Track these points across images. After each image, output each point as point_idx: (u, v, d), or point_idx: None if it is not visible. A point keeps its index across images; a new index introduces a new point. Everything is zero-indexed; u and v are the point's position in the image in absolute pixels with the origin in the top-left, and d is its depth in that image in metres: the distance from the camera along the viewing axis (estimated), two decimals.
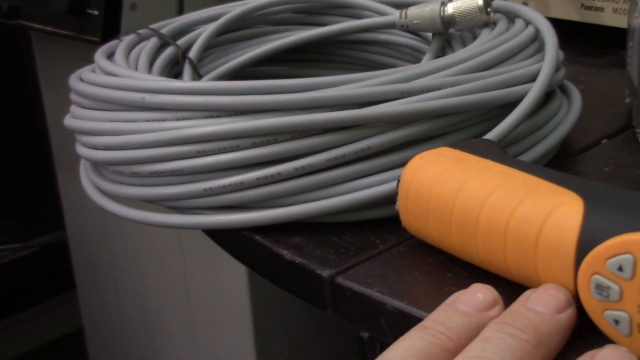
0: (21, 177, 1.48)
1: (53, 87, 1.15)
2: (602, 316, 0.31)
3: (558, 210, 0.32)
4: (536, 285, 0.34)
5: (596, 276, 0.31)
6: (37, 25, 0.92)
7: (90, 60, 0.52)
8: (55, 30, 0.89)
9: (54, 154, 1.19)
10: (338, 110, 0.41)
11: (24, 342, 1.50)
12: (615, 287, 0.30)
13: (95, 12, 0.84)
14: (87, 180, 0.49)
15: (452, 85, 0.43)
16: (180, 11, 0.88)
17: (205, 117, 0.42)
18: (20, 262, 1.46)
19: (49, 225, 1.45)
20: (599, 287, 0.31)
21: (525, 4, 0.66)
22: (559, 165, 0.47)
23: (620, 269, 0.30)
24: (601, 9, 0.62)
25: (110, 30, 0.83)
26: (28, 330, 1.50)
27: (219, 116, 0.42)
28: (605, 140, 0.49)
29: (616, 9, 0.61)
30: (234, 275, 1.01)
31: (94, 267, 1.23)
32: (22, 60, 1.41)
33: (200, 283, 1.08)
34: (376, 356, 0.30)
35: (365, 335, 0.93)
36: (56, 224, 1.37)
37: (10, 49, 1.43)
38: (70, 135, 0.50)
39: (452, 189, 0.36)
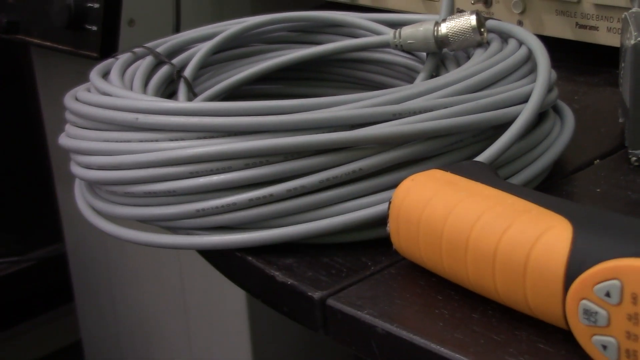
0: (20, 189, 1.48)
1: (52, 100, 1.15)
2: (590, 341, 0.31)
3: (547, 234, 0.32)
4: (525, 309, 0.34)
5: (584, 301, 0.31)
6: (35, 40, 0.92)
7: (88, 73, 0.52)
8: (54, 45, 0.89)
9: (53, 166, 1.20)
10: (330, 131, 0.41)
11: (21, 354, 1.50)
12: (603, 312, 0.30)
13: (94, 28, 0.84)
14: (82, 199, 0.49)
15: (445, 106, 0.43)
16: (177, 27, 0.88)
17: (199, 138, 0.43)
18: (18, 275, 1.45)
19: (47, 237, 1.45)
20: (587, 313, 0.31)
21: (520, 22, 0.66)
22: (552, 185, 0.47)
23: (607, 294, 0.30)
24: (595, 28, 0.62)
25: (108, 46, 0.84)
26: (26, 343, 1.50)
27: (212, 137, 0.42)
28: (597, 160, 0.49)
29: (610, 28, 0.61)
30: (231, 290, 1.01)
31: (93, 280, 1.23)
32: (22, 73, 1.41)
33: (198, 297, 1.08)
34: None
35: None
36: (55, 237, 1.38)
37: (10, 62, 1.43)
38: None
39: (442, 212, 0.36)
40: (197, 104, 0.44)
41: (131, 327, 1.21)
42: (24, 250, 1.46)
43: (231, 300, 1.03)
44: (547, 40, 0.52)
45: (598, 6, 0.61)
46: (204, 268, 1.03)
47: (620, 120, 0.51)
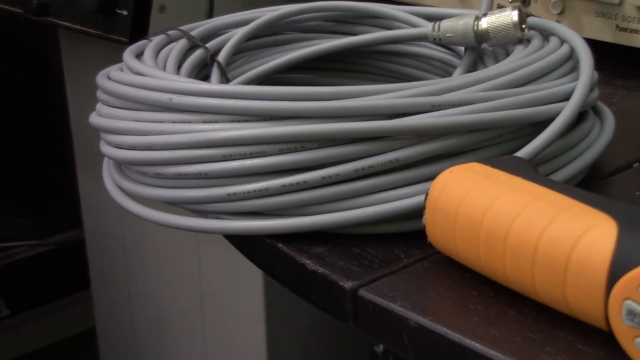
0: (41, 174, 1.48)
1: (78, 85, 1.15)
2: (633, 343, 0.30)
3: (590, 232, 0.32)
4: (564, 308, 0.33)
5: (628, 302, 0.30)
6: (65, 23, 0.91)
7: (116, 60, 0.51)
8: (84, 28, 0.88)
9: (76, 152, 1.19)
10: (367, 120, 0.41)
11: (36, 339, 1.50)
12: None
13: (124, 12, 0.83)
14: (110, 179, 0.49)
15: (485, 100, 0.42)
16: (210, 15, 0.88)
17: (232, 121, 0.42)
18: (35, 259, 1.46)
19: (66, 223, 1.45)
20: (631, 313, 0.30)
21: (558, 22, 0.65)
22: (589, 187, 0.46)
23: None
24: (636, 31, 0.61)
25: (138, 31, 0.83)
26: (41, 328, 1.50)
27: (246, 120, 0.42)
28: (636, 164, 0.48)
29: None
30: (249, 283, 1.00)
31: (110, 267, 1.23)
32: (48, 57, 1.41)
33: (215, 289, 1.07)
34: None
35: (380, 349, 0.92)
36: (73, 223, 1.37)
37: (37, 45, 1.43)
38: (93, 134, 0.49)
39: (481, 206, 0.35)
40: (232, 87, 0.43)
41: (146, 317, 1.21)
42: (42, 235, 1.46)
43: (248, 292, 1.02)
44: (586, 42, 0.51)
45: None
46: (222, 258, 1.03)
47: None
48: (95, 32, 0.87)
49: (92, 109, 0.50)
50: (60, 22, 0.92)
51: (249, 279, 1.00)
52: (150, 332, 1.21)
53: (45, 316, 1.50)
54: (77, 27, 0.90)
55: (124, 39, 0.84)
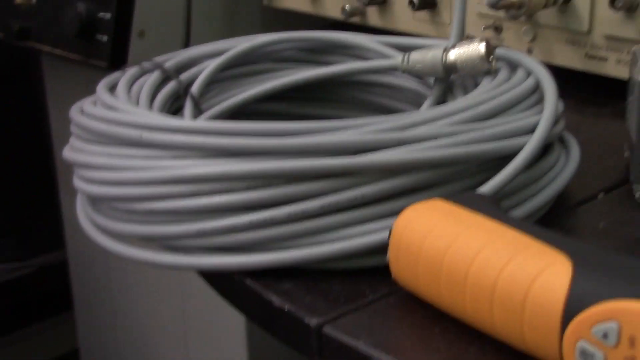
0: (23, 194, 1.48)
1: (60, 106, 1.15)
2: None
3: (546, 272, 0.32)
4: (523, 346, 0.33)
5: (581, 342, 0.31)
6: (46, 48, 0.92)
7: (98, 83, 0.52)
8: (64, 53, 0.89)
9: (58, 173, 1.20)
10: (333, 156, 0.41)
11: None
12: (599, 354, 0.30)
13: (104, 38, 0.84)
14: (83, 213, 0.49)
15: (450, 135, 0.43)
16: (188, 40, 0.88)
17: (202, 157, 0.42)
18: (18, 281, 1.45)
19: (48, 244, 1.45)
20: (584, 354, 0.31)
21: (530, 50, 0.66)
22: (555, 217, 0.46)
23: (605, 336, 0.30)
24: (605, 59, 0.62)
25: (117, 56, 0.84)
26: (24, 350, 1.49)
27: (215, 157, 0.42)
28: (602, 194, 0.49)
29: (620, 60, 0.61)
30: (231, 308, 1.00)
31: (93, 288, 1.23)
32: (31, 78, 1.41)
33: (198, 310, 1.08)
34: None
35: None
36: (56, 244, 1.37)
37: (20, 67, 1.43)
38: None
39: (443, 245, 0.36)
40: (201, 123, 0.44)
41: (129, 338, 1.21)
42: (24, 256, 1.46)
43: (230, 313, 1.02)
44: (556, 69, 0.52)
45: (608, 38, 0.61)
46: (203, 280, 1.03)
47: (626, 154, 0.51)
48: (75, 57, 0.88)
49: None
50: (41, 46, 0.93)
51: None
52: (133, 353, 1.21)
53: (28, 338, 1.50)
54: (58, 51, 0.90)
55: (104, 64, 0.84)
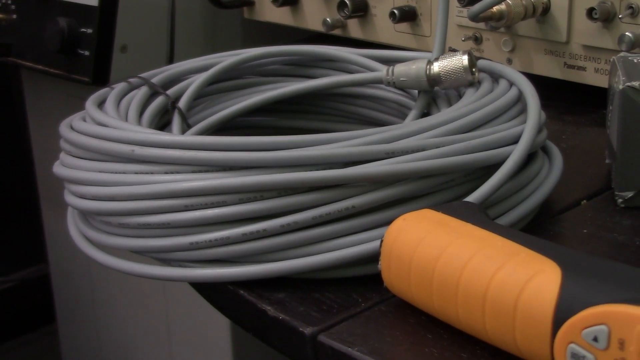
0: (4, 209, 1.47)
1: (41, 121, 1.16)
2: None
3: (536, 278, 0.33)
4: (514, 350, 0.34)
5: (572, 345, 0.32)
6: (28, 64, 0.92)
7: (79, 98, 0.52)
8: (46, 69, 0.89)
9: (40, 187, 1.20)
10: (324, 168, 0.42)
11: None
12: (590, 357, 0.31)
13: (86, 53, 0.84)
14: (75, 228, 0.49)
15: (436, 146, 0.44)
16: (171, 55, 0.89)
17: (194, 172, 0.43)
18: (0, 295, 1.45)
19: (30, 258, 1.45)
20: (575, 357, 0.32)
21: (510, 60, 0.68)
22: (540, 225, 0.47)
23: (595, 339, 0.31)
24: (583, 69, 0.63)
25: (100, 71, 0.84)
26: None
27: (207, 171, 0.43)
28: (585, 201, 0.50)
29: (598, 69, 0.62)
30: (216, 316, 1.01)
31: (75, 301, 1.23)
32: (11, 94, 1.41)
33: (182, 321, 1.08)
34: None
35: None
36: (38, 257, 1.37)
37: (0, 81, 1.43)
38: None
39: (433, 253, 0.37)
40: (193, 138, 0.44)
41: (113, 349, 1.21)
42: (6, 271, 1.46)
43: (215, 324, 1.03)
44: (536, 79, 0.53)
45: (586, 47, 0.63)
46: (189, 293, 1.03)
47: (607, 161, 0.52)
48: (58, 72, 0.88)
49: (55, 144, 0.51)
50: (23, 62, 0.93)
51: (216, 311, 1.00)
52: None
53: (11, 352, 1.49)
54: (40, 67, 0.90)
55: (87, 79, 0.85)
